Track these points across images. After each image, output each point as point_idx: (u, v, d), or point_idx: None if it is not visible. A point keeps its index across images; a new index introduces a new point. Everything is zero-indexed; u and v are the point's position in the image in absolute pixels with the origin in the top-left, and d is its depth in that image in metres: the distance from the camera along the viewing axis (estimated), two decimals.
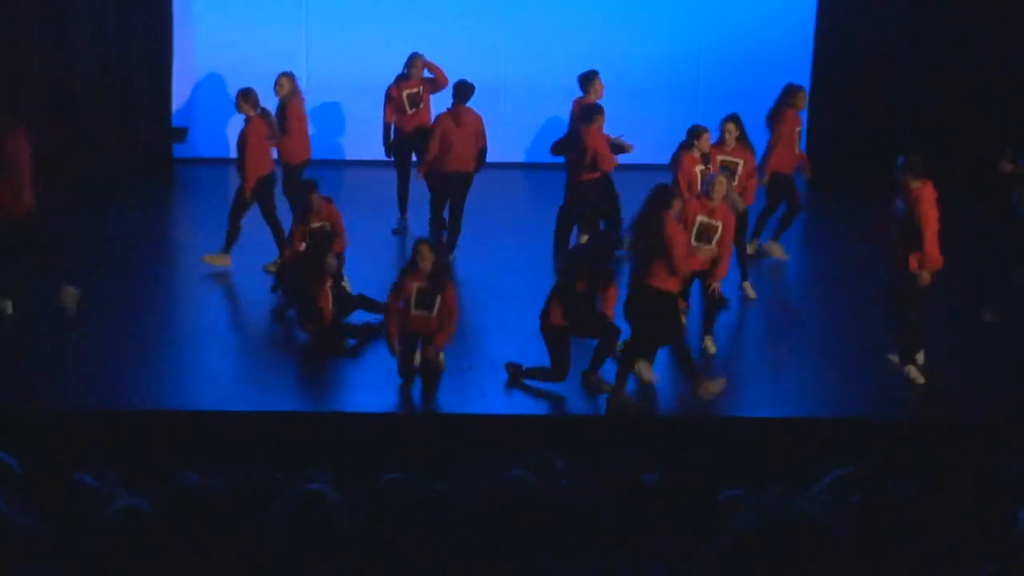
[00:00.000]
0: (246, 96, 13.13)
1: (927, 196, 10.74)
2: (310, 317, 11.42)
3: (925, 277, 10.82)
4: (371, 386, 10.85)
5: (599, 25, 16.78)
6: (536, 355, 10.94)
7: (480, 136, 13.87)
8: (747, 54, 16.83)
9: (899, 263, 10.94)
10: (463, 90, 13.87)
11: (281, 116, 13.61)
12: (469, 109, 13.85)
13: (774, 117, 13.54)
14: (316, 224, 11.99)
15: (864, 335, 11.78)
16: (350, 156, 17.26)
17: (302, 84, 16.84)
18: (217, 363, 11.21)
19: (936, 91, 16.23)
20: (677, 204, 10.74)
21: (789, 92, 13.65)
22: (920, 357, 11.19)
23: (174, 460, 8.41)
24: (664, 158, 13.83)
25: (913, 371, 11.04)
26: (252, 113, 13.07)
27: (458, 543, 5.73)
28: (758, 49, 16.81)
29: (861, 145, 14.48)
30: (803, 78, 16.67)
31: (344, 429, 10.11)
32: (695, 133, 12.40)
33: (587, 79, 13.91)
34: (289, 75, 13.84)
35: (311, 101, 17.01)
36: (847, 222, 14.45)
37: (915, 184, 10.76)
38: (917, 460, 8.28)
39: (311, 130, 14.17)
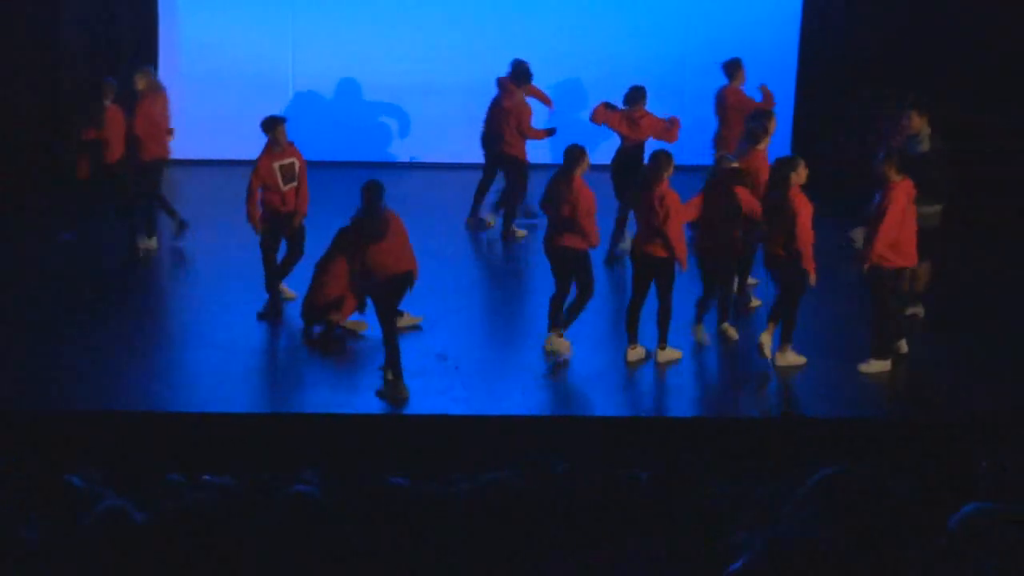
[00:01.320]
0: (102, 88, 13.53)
1: (897, 192, 10.80)
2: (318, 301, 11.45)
3: (865, 266, 10.93)
4: (359, 388, 10.85)
5: (584, 27, 16.73)
6: (518, 354, 11.00)
7: (511, 117, 13.96)
8: (733, 54, 16.78)
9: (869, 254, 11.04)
10: (514, 69, 14.08)
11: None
12: (512, 90, 14.00)
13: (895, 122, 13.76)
14: (285, 161, 11.95)
15: (859, 336, 11.75)
16: (337, 158, 17.21)
17: (289, 84, 16.80)
18: (205, 365, 11.16)
19: (923, 90, 16.19)
20: (803, 173, 10.99)
21: (906, 95, 13.86)
22: (903, 345, 11.22)
23: (163, 461, 8.39)
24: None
25: (873, 365, 11.07)
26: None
27: (446, 544, 5.72)
28: (744, 49, 16.77)
29: (848, 145, 14.49)
30: (788, 78, 16.65)
31: (332, 431, 10.09)
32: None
33: (733, 67, 14.01)
34: (143, 71, 13.89)
35: (297, 101, 17.00)
36: (837, 222, 14.41)
37: (894, 178, 10.84)
38: (908, 459, 8.30)
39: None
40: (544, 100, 14.85)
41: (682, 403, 10.80)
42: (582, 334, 11.48)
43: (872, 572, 4.46)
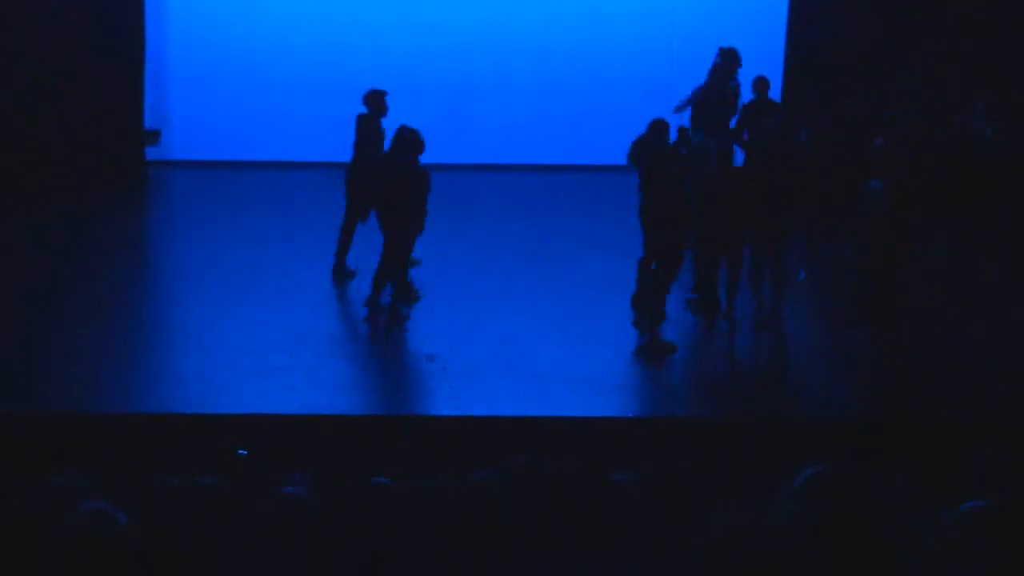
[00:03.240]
0: None
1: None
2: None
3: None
4: (349, 389, 10.86)
5: (570, 19, 16.68)
6: (506, 354, 11.02)
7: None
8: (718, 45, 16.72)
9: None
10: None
11: None
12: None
13: None
14: None
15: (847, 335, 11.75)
16: (335, 158, 17.15)
17: (277, 82, 16.72)
18: (191, 367, 11.14)
19: (913, 78, 16.15)
20: None
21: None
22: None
23: (149, 463, 8.37)
24: None
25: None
26: None
27: (434, 545, 5.70)
28: (731, 41, 16.71)
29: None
30: (776, 70, 16.57)
31: (320, 432, 10.07)
32: None
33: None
34: None
35: (286, 100, 16.93)
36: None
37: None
38: (892, 459, 8.29)
39: None
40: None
41: (672, 403, 10.79)
42: (577, 333, 11.57)
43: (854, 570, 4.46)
